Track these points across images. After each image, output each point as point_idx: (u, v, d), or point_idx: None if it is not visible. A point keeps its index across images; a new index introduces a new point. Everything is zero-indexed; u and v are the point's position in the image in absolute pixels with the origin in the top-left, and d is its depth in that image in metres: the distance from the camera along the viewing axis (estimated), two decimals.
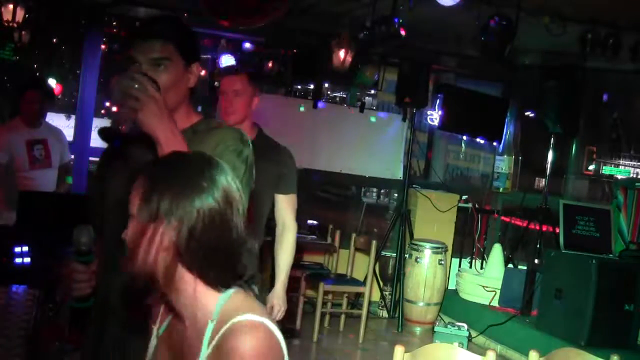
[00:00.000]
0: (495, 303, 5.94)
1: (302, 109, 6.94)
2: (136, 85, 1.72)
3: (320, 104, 7.21)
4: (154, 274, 1.34)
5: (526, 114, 7.65)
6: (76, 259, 1.80)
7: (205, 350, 1.31)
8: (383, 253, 6.42)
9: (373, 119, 7.30)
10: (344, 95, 11.17)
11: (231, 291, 1.36)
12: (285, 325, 5.75)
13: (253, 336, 1.26)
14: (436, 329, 5.51)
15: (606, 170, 7.84)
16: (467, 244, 7.02)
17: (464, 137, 7.84)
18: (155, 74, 1.81)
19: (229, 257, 1.36)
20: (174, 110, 1.87)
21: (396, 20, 5.35)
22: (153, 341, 1.48)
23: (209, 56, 9.33)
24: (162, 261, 1.33)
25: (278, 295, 3.26)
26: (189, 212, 1.32)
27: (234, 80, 3.19)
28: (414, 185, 6.77)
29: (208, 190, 1.35)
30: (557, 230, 5.36)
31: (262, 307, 1.35)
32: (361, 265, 6.10)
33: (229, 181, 1.40)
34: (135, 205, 1.35)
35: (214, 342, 1.30)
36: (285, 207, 3.33)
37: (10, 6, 6.61)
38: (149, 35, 1.86)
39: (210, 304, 1.34)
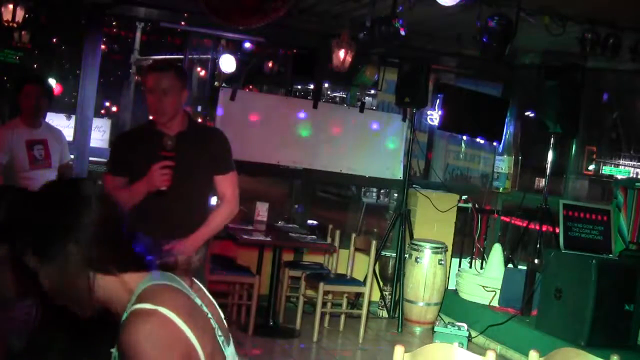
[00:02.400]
0: (495, 303, 5.93)
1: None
2: None
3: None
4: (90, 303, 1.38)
5: (526, 114, 7.65)
6: None
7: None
8: (383, 253, 6.42)
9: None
10: (344, 95, 11.17)
11: (154, 277, 1.39)
12: (285, 325, 5.76)
13: (144, 324, 1.27)
14: (436, 329, 5.51)
15: (606, 170, 7.86)
16: (467, 244, 7.02)
17: (464, 137, 7.84)
18: None
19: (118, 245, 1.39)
20: None
21: (396, 20, 5.35)
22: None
23: (209, 56, 9.35)
24: (80, 287, 1.36)
25: (184, 242, 3.14)
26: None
27: (160, 77, 3.12)
28: (414, 185, 6.77)
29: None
30: (557, 230, 5.36)
31: (172, 294, 1.35)
32: (361, 265, 6.10)
33: None
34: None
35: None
36: (226, 185, 3.33)
37: (10, 6, 6.61)
38: None
39: (133, 291, 1.38)
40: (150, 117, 3.30)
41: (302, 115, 6.82)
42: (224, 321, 1.47)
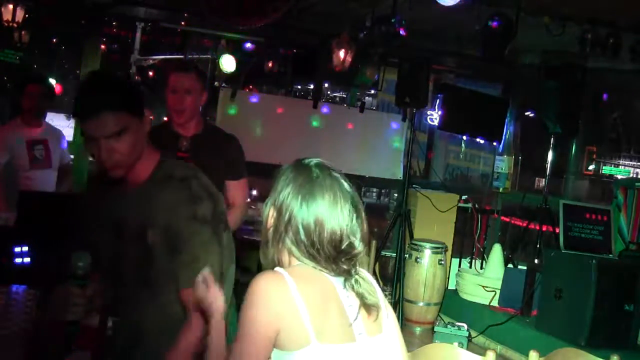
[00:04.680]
0: (495, 303, 5.93)
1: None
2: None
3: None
4: None
5: (526, 114, 7.66)
6: (73, 283, 1.80)
7: None
8: (383, 253, 6.42)
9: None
10: (344, 95, 11.17)
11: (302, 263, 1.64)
12: None
13: (263, 276, 1.54)
14: (436, 329, 5.51)
15: (606, 170, 7.86)
16: (467, 244, 7.02)
17: (464, 137, 7.85)
18: (116, 145, 1.82)
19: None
20: (138, 161, 1.92)
21: (396, 20, 5.36)
22: None
23: (209, 56, 9.35)
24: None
25: None
26: None
27: (183, 78, 3.20)
28: (414, 185, 6.77)
29: None
30: (557, 230, 5.36)
31: (309, 273, 1.61)
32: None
33: None
34: None
35: None
36: (237, 191, 3.39)
37: (10, 6, 6.61)
38: (99, 111, 1.80)
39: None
40: (165, 119, 3.32)
41: (301, 115, 6.82)
42: (382, 321, 1.69)
